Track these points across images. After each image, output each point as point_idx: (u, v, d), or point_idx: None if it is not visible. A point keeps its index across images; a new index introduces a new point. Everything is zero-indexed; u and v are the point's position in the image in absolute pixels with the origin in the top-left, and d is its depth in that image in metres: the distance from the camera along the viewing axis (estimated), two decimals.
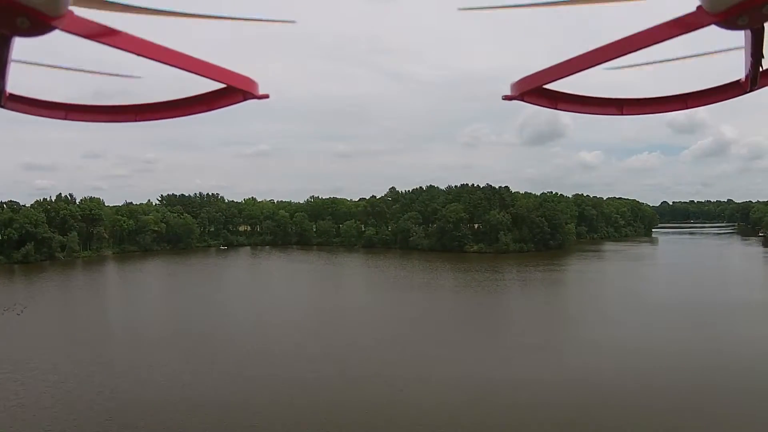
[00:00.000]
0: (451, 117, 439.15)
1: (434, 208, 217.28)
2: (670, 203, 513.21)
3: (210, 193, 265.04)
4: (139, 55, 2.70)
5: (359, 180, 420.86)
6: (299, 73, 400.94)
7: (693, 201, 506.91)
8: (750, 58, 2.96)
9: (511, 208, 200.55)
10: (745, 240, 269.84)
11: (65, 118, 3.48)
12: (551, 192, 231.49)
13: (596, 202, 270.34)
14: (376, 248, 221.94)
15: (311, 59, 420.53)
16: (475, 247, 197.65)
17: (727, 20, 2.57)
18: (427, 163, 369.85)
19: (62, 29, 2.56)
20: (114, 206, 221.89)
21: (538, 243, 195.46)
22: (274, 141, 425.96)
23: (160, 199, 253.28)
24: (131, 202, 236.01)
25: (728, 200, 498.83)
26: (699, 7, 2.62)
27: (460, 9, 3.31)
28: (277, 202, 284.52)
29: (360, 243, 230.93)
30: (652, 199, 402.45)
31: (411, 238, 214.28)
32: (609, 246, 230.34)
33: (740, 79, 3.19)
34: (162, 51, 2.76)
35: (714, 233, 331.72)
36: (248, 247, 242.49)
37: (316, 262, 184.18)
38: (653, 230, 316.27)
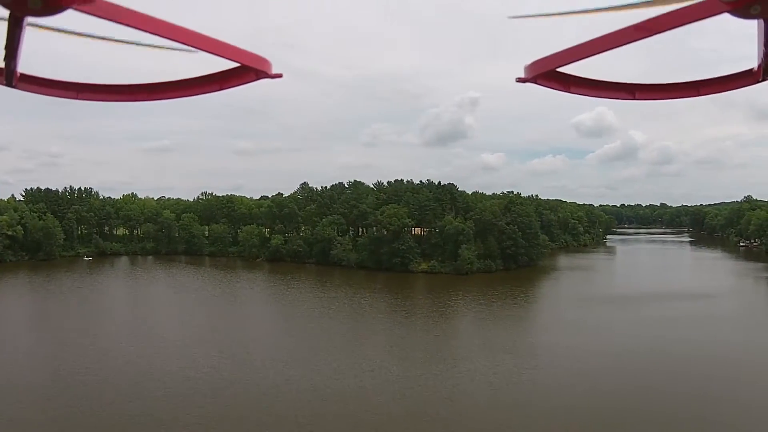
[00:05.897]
0: (356, 116, 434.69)
1: (363, 211, 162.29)
2: (596, 206, 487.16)
3: (82, 188, 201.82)
4: (154, 34, 2.69)
5: (261, 178, 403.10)
6: (205, 67, 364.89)
7: (624, 204, 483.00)
8: (763, 48, 2.95)
9: (472, 213, 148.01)
10: (716, 249, 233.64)
11: (77, 98, 3.45)
12: (512, 192, 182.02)
13: (553, 205, 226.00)
14: (285, 262, 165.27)
15: None
16: (425, 266, 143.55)
17: (740, 9, 2.54)
18: (330, 161, 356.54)
19: (75, 8, 2.48)
20: None
21: (507, 259, 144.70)
22: (178, 137, 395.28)
23: (23, 194, 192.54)
24: None
25: (661, 204, 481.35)
26: None
27: (510, 17, 3.31)
28: (166, 199, 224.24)
29: (264, 254, 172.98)
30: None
31: (333, 251, 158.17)
32: (579, 259, 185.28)
33: (753, 68, 3.18)
34: (177, 30, 2.76)
35: (672, 240, 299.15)
36: (125, 257, 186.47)
37: (203, 288, 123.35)
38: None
